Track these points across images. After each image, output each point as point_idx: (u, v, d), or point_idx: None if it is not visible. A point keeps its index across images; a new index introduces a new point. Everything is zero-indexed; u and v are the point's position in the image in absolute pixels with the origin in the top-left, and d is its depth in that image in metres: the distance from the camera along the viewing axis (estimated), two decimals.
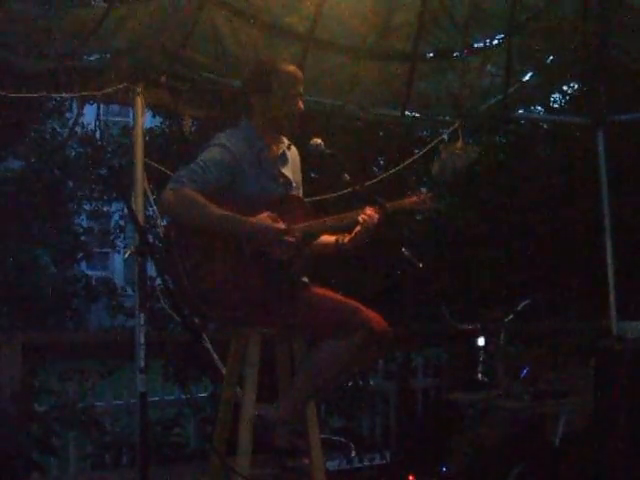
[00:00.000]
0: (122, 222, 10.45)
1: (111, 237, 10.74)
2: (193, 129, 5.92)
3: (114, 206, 10.70)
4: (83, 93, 4.19)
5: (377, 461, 4.12)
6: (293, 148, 3.51)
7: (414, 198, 3.33)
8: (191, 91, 4.58)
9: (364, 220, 3.24)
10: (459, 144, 5.18)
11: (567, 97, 8.84)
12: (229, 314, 3.20)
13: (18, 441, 4.35)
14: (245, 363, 3.26)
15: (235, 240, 3.19)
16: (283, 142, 3.47)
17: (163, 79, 4.37)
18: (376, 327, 3.16)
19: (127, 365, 4.92)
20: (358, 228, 3.27)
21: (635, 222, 7.20)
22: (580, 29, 5.00)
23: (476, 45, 5.32)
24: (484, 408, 4.45)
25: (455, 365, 5.40)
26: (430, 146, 5.52)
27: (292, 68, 3.42)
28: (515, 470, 4.04)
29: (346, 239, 3.33)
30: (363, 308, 3.21)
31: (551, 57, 5.42)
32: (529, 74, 5.52)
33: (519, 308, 4.63)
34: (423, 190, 3.41)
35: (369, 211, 3.25)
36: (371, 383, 5.92)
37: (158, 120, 7.92)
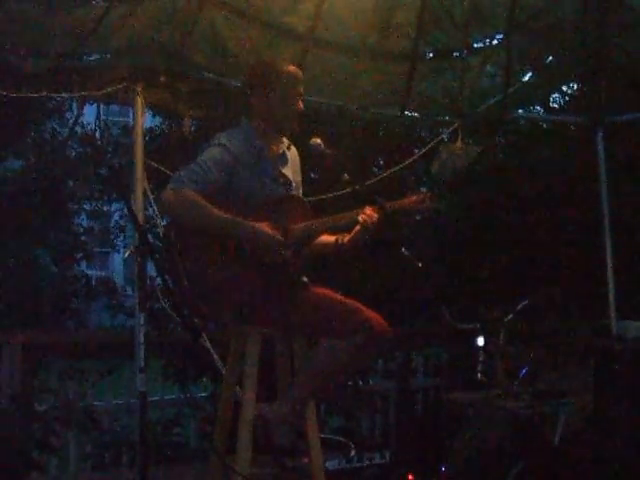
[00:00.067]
0: (122, 222, 10.47)
1: (111, 237, 10.76)
2: (193, 129, 5.93)
3: (114, 206, 10.72)
4: (83, 93, 4.20)
5: (377, 461, 4.12)
6: (293, 148, 3.51)
7: (414, 198, 3.32)
8: (191, 91, 4.59)
9: (364, 220, 3.24)
10: (459, 144, 5.19)
11: (566, 97, 8.84)
12: (229, 314, 3.20)
13: (18, 441, 4.35)
14: (245, 363, 3.27)
15: (235, 240, 3.19)
16: (283, 142, 3.47)
17: (163, 79, 4.38)
18: (376, 327, 3.16)
19: (127, 365, 4.92)
20: (358, 228, 3.27)
21: (635, 222, 7.20)
22: (580, 29, 5.01)
23: (476, 45, 5.32)
24: (483, 408, 4.45)
25: (455, 365, 5.41)
26: (430, 146, 5.52)
27: (292, 68, 3.42)
28: (514, 470, 4.04)
29: (346, 239, 3.33)
30: (363, 308, 3.21)
31: (551, 57, 5.43)
32: (529, 74, 5.53)
33: (519, 308, 4.63)
34: (423, 190, 3.41)
35: (369, 211, 3.25)
36: (371, 383, 5.92)
37: (158, 120, 7.94)
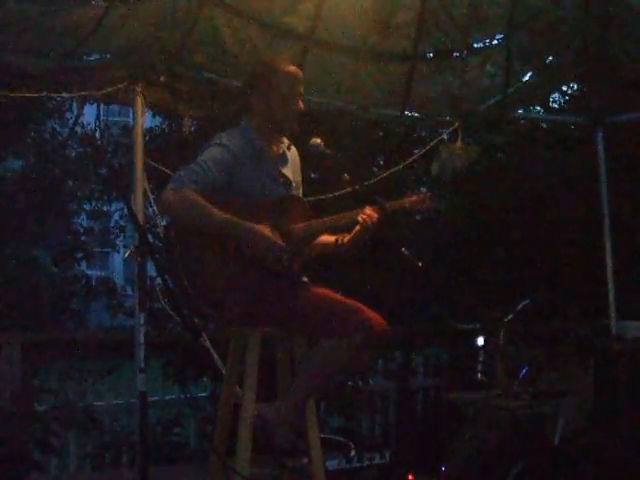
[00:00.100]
0: (122, 222, 10.46)
1: (111, 237, 10.74)
2: (193, 129, 5.92)
3: (114, 206, 10.69)
4: (83, 93, 4.20)
5: (377, 461, 4.12)
6: (293, 148, 3.51)
7: (414, 198, 3.32)
8: (191, 91, 4.58)
9: (364, 220, 3.24)
10: (459, 144, 5.19)
11: (567, 97, 8.84)
12: (229, 314, 3.20)
13: (18, 441, 4.36)
14: (245, 363, 3.27)
15: (235, 241, 3.19)
16: (283, 142, 3.47)
17: (163, 79, 4.38)
18: (376, 327, 3.15)
19: (127, 365, 4.92)
20: (357, 228, 3.27)
21: (635, 222, 7.20)
22: (580, 29, 5.01)
23: (476, 45, 5.32)
24: (483, 408, 4.45)
25: (455, 365, 5.41)
26: (430, 146, 5.52)
27: (292, 68, 3.42)
28: (514, 470, 4.04)
29: (346, 239, 3.33)
30: (363, 308, 3.20)
31: (551, 57, 5.43)
32: (529, 74, 5.53)
33: (519, 308, 4.63)
34: (423, 190, 3.41)
35: (368, 211, 3.25)
36: (371, 383, 5.92)
37: (158, 120, 7.93)
